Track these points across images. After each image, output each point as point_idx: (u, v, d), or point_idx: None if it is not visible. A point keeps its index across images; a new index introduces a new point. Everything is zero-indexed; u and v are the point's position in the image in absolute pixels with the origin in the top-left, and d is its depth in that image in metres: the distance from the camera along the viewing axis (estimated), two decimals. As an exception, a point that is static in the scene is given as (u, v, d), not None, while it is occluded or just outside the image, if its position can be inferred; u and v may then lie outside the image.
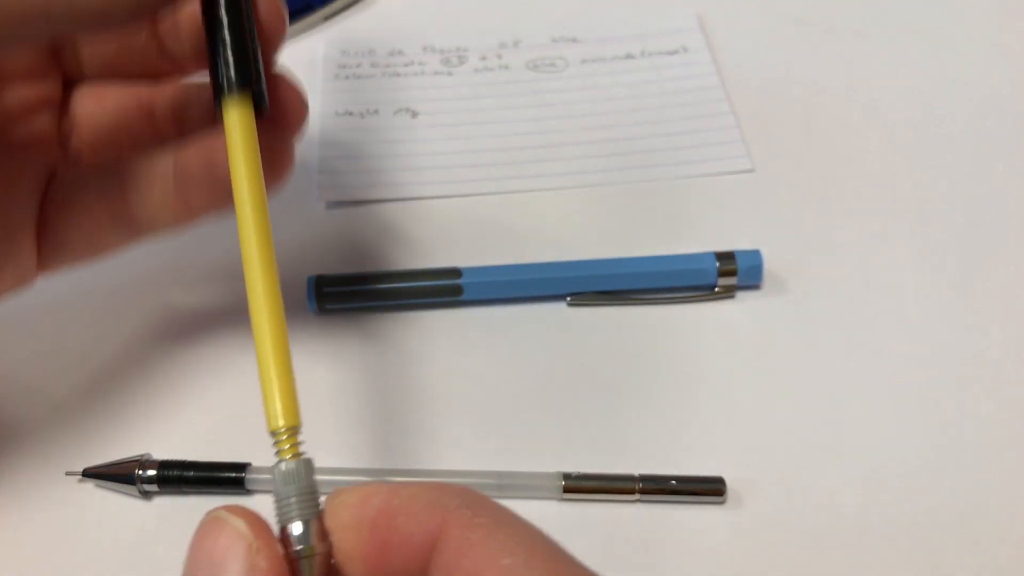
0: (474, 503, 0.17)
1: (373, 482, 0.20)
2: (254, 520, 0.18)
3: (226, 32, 0.24)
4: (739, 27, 0.44)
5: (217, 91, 0.24)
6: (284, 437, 0.20)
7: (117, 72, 0.28)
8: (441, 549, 0.17)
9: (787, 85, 0.41)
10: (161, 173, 0.27)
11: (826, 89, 0.41)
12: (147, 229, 0.28)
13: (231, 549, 0.17)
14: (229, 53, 0.24)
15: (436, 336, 0.33)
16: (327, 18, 0.45)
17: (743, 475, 0.29)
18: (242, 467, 0.28)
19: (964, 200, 0.36)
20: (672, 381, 0.31)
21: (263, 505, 0.19)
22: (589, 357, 0.32)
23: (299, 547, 0.18)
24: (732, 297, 0.33)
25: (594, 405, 0.31)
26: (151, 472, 0.28)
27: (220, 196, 0.27)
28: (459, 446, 0.30)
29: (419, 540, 0.17)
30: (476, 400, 0.31)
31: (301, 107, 0.27)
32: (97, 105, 0.28)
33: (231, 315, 0.33)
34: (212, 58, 0.24)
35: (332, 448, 0.29)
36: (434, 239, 0.36)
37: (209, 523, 0.18)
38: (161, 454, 0.29)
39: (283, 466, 0.19)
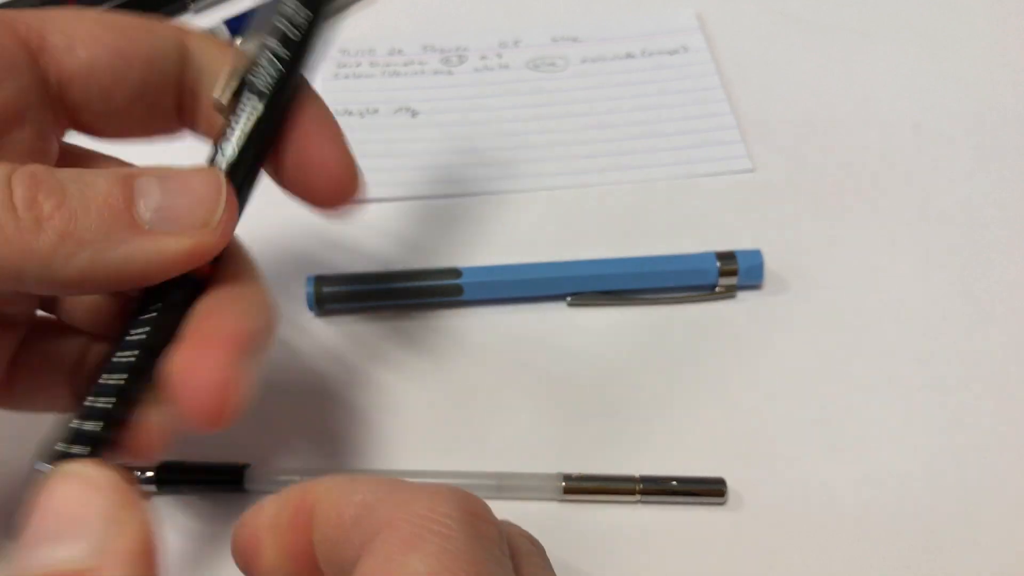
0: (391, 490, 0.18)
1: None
2: (109, 473, 0.16)
3: None
4: (739, 27, 0.44)
5: None
6: None
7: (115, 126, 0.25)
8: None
9: (787, 85, 0.41)
10: None
11: (826, 89, 0.41)
12: None
13: (88, 503, 0.16)
14: None
15: (436, 336, 0.33)
16: (327, 18, 0.45)
17: (743, 475, 0.29)
18: (240, 470, 0.28)
19: (964, 200, 0.36)
20: (672, 381, 0.31)
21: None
22: (589, 357, 0.32)
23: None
24: (733, 297, 0.33)
25: (594, 405, 0.31)
26: (149, 473, 0.28)
27: None
28: (459, 446, 0.30)
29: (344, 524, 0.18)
30: (476, 400, 0.31)
31: None
32: None
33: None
34: None
35: (331, 447, 0.29)
36: (434, 239, 0.36)
37: (57, 479, 0.16)
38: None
39: None
